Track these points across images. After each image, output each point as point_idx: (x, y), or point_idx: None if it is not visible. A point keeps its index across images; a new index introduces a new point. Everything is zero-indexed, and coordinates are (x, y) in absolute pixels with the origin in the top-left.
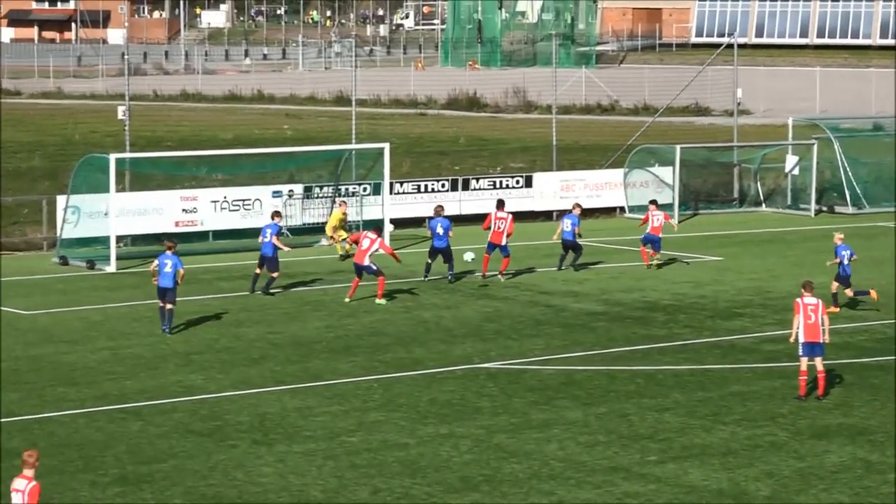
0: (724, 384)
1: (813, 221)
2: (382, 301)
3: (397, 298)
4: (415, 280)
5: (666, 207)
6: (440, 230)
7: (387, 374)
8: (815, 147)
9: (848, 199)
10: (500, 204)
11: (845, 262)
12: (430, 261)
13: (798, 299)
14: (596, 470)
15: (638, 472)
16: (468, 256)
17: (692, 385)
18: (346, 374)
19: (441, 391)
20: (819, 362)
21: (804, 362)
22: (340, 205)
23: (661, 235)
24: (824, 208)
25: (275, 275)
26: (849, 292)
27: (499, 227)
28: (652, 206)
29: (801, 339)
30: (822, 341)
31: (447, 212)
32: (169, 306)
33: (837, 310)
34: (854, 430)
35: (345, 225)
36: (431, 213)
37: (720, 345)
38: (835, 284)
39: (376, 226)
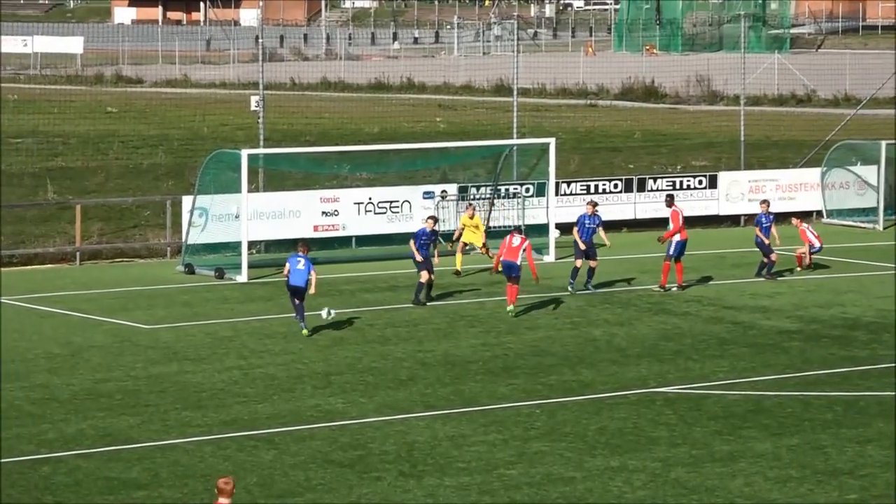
0: None
1: None
2: (512, 308)
3: (563, 313)
4: (585, 292)
5: (870, 211)
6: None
7: (551, 398)
8: None
9: None
10: (672, 199)
11: None
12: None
13: None
14: None
15: None
16: (324, 313)
17: None
18: (505, 398)
19: (612, 418)
20: None
21: None
22: (468, 208)
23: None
24: None
25: (423, 278)
26: None
27: (684, 224)
28: (795, 220)
29: None
30: None
31: (618, 215)
32: (297, 301)
33: None
34: None
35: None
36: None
37: None
38: None
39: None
